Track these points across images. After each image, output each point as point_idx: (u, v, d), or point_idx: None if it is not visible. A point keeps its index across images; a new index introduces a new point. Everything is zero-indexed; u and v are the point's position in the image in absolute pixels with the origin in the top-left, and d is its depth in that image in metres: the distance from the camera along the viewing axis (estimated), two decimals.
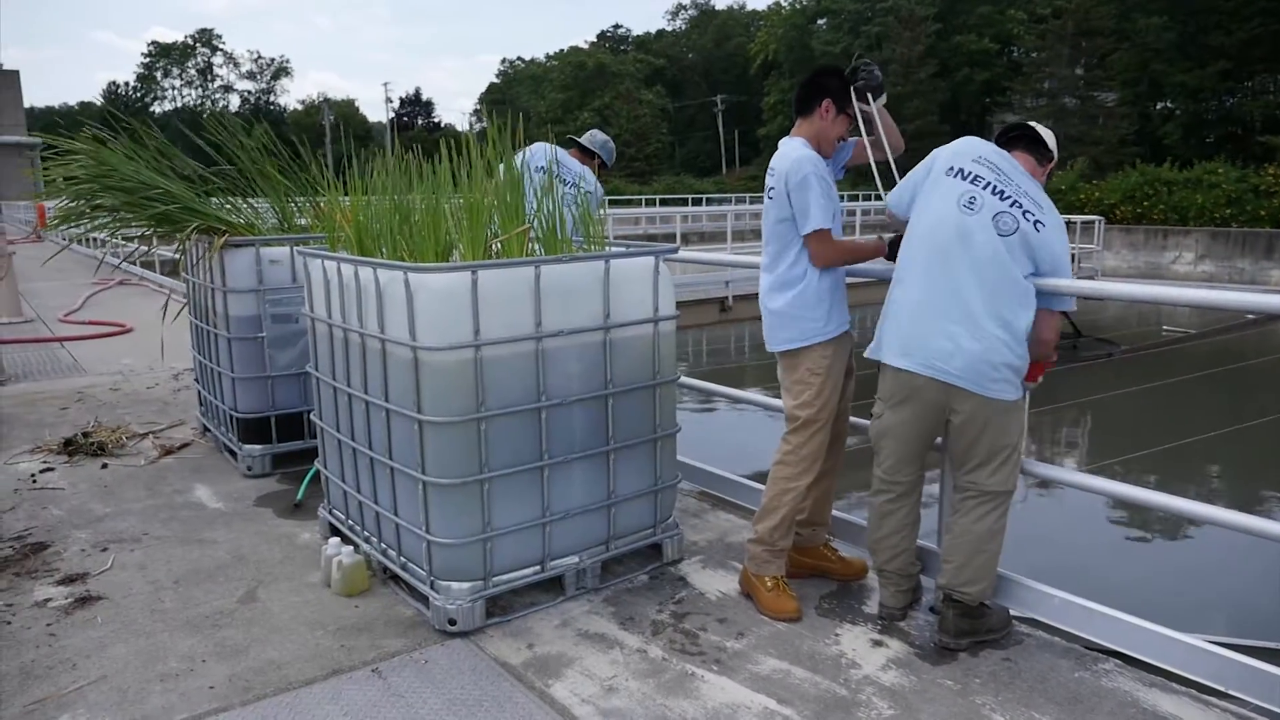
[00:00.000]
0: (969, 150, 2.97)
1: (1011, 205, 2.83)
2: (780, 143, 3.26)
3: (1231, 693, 2.59)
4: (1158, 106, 42.14)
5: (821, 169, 3.12)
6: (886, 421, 3.04)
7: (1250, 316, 17.15)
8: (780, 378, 3.32)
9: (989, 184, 2.88)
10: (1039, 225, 2.81)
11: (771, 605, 3.15)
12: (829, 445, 3.29)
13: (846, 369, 3.31)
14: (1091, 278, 17.78)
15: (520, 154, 3.42)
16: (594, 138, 4.98)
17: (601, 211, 3.72)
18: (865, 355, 3.12)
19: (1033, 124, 3.03)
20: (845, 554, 3.51)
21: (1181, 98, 40.40)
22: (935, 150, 3.03)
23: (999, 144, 3.03)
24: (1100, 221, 20.51)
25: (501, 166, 3.25)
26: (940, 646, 2.90)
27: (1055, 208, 2.90)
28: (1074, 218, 19.01)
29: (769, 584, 3.20)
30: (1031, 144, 3.00)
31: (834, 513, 3.68)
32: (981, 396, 2.84)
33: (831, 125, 3.19)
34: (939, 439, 3.07)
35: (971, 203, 2.87)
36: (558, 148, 4.44)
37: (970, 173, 2.92)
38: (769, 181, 3.20)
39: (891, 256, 3.16)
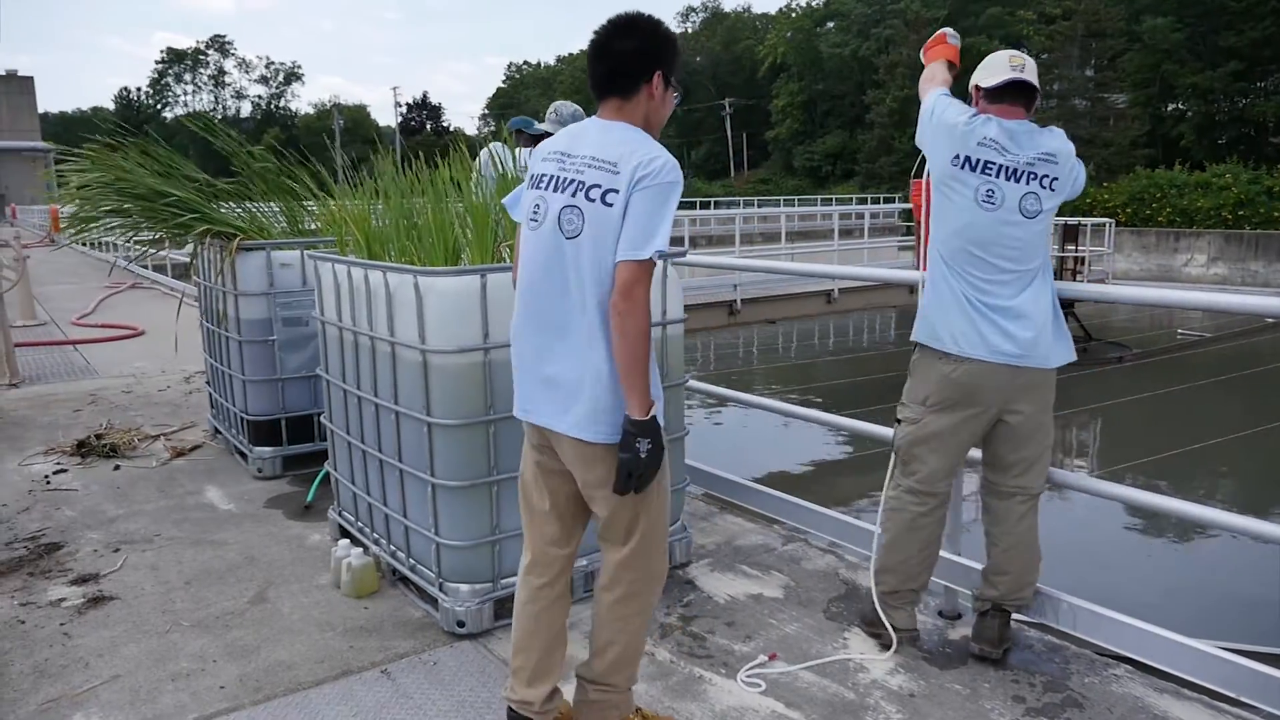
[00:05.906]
0: (972, 132, 2.73)
1: (1029, 181, 2.69)
2: (601, 126, 2.22)
3: (1243, 699, 2.57)
4: (1169, 108, 41.88)
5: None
6: (931, 427, 2.80)
7: (1270, 320, 17.01)
8: None
9: (1000, 168, 2.69)
10: (1054, 184, 2.70)
11: None
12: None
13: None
14: (1102, 281, 17.73)
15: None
16: (557, 112, 4.93)
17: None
18: (915, 338, 2.85)
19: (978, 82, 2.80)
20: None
21: (1193, 99, 40.18)
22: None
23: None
24: (1110, 224, 20.35)
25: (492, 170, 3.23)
26: (980, 656, 2.83)
27: (1064, 143, 2.74)
28: (1084, 220, 18.89)
29: None
30: (1000, 96, 2.76)
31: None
32: (1045, 370, 2.73)
33: (664, 105, 2.29)
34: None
35: (990, 196, 2.69)
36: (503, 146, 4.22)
37: (978, 160, 2.71)
38: (597, 177, 2.13)
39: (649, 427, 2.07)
